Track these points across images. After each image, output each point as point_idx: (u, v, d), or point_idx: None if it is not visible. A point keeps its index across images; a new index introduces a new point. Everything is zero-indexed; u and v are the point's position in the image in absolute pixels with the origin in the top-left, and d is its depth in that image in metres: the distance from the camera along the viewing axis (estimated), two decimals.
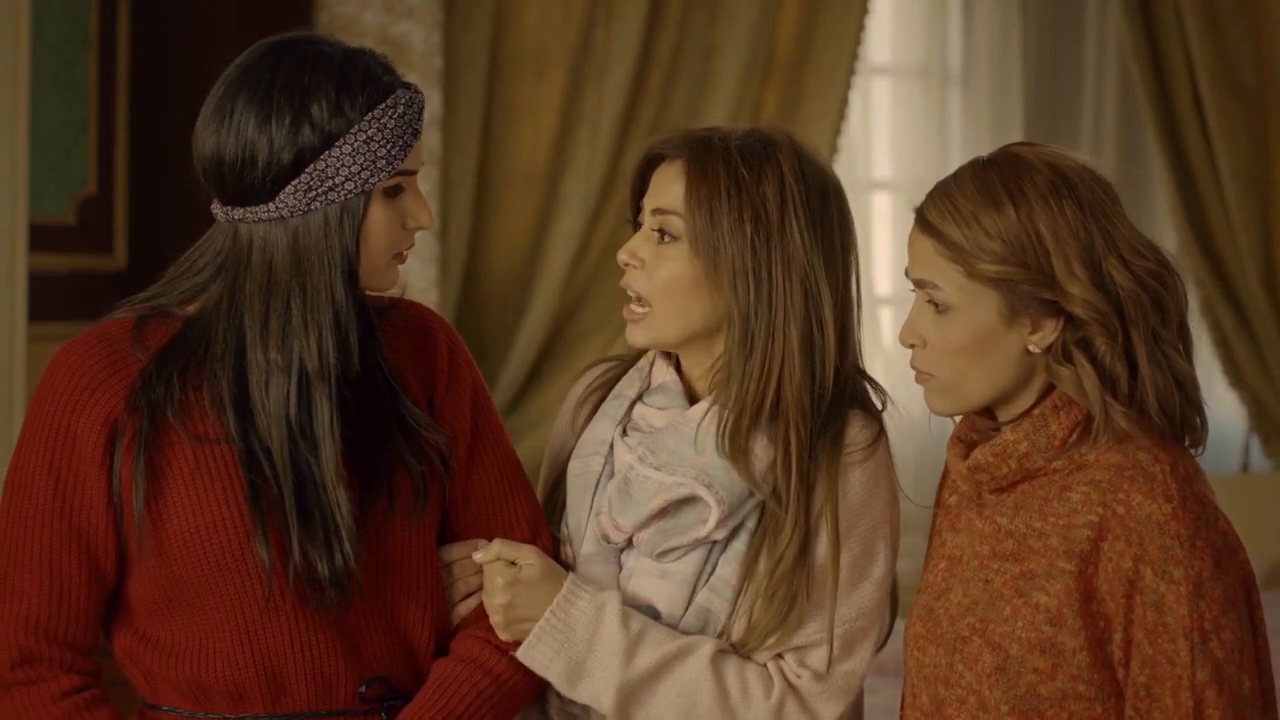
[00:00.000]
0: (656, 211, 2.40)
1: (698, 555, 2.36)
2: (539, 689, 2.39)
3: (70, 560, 2.24)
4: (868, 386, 2.44)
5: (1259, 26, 6.31)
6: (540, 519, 2.43)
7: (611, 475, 2.41)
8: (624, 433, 2.43)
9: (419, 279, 5.25)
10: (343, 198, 2.21)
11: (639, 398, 2.45)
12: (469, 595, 2.38)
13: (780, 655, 2.34)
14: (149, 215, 5.00)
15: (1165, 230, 6.19)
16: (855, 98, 5.94)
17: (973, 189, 2.15)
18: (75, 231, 4.96)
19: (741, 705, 2.32)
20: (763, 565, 2.33)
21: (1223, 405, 6.34)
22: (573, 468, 2.46)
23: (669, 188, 2.39)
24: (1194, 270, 6.19)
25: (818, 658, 2.33)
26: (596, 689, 2.32)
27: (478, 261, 5.48)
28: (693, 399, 2.43)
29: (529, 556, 2.35)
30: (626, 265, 2.41)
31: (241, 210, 2.22)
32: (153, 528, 2.22)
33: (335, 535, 2.20)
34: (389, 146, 2.21)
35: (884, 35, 6.27)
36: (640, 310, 2.40)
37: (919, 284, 2.19)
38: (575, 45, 5.51)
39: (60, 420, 2.24)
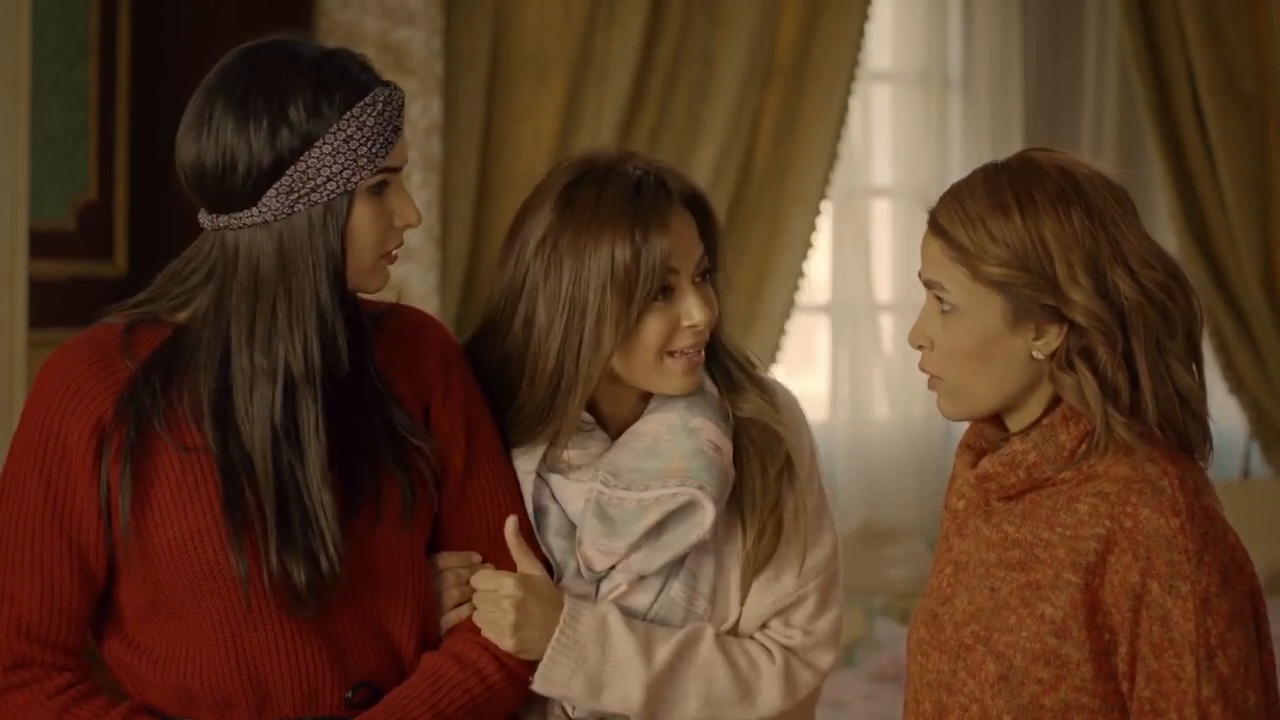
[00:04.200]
0: (700, 265, 2.42)
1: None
2: (521, 700, 2.40)
3: (61, 565, 2.25)
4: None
5: (1259, 31, 6.31)
6: (532, 534, 2.42)
7: (545, 511, 2.42)
8: (552, 474, 2.42)
9: (419, 284, 5.25)
10: (325, 198, 2.20)
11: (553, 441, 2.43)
12: (460, 604, 2.38)
13: (765, 625, 2.42)
14: (149, 221, 5.00)
15: (1165, 235, 6.19)
16: (855, 104, 5.94)
17: (982, 192, 2.15)
18: (75, 237, 4.96)
19: (752, 675, 2.39)
20: (740, 534, 2.41)
21: (1223, 411, 6.33)
22: None
23: (693, 235, 2.41)
24: (1193, 275, 6.18)
25: (800, 615, 2.42)
26: (624, 692, 2.35)
27: (478, 267, 5.48)
28: (608, 430, 2.44)
29: (517, 585, 2.36)
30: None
31: (226, 217, 2.22)
32: (139, 536, 2.23)
33: (319, 541, 2.20)
34: (370, 144, 2.20)
35: (884, 41, 6.27)
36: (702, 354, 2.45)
37: (928, 284, 2.19)
38: (575, 50, 5.51)
39: (51, 425, 2.25)
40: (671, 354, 2.37)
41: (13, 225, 4.19)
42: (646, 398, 2.45)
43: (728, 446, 2.39)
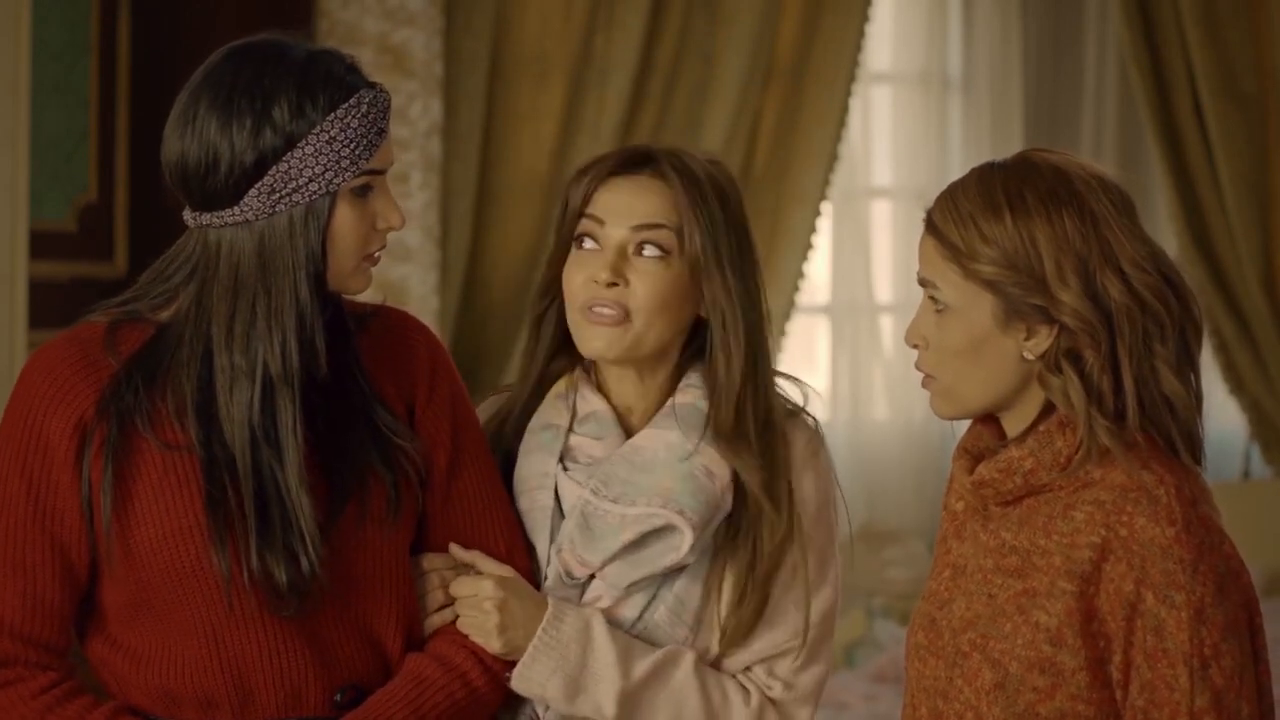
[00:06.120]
0: (642, 227, 2.37)
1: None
2: (499, 704, 2.39)
3: (44, 564, 2.25)
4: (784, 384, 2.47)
5: (1259, 32, 6.31)
6: (517, 535, 2.42)
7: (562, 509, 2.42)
8: (563, 465, 2.42)
9: (419, 284, 5.25)
10: (307, 199, 2.20)
11: (570, 427, 2.44)
12: (444, 606, 2.37)
13: (749, 668, 2.40)
14: (149, 222, 5.00)
15: (1165, 237, 6.20)
16: (855, 104, 5.95)
17: (975, 191, 2.15)
18: (76, 238, 4.96)
19: (723, 711, 2.37)
20: (730, 579, 2.37)
21: (1223, 412, 6.34)
22: (520, 504, 2.45)
23: (648, 200, 2.38)
24: (1194, 277, 6.19)
25: (786, 667, 2.39)
26: (597, 699, 2.34)
27: (478, 268, 5.48)
28: (625, 427, 2.43)
29: (496, 587, 2.35)
30: (613, 285, 2.36)
31: (209, 215, 2.22)
32: (120, 535, 2.23)
33: (299, 541, 2.20)
34: (353, 146, 2.20)
35: (884, 42, 6.28)
36: (612, 314, 2.37)
37: (922, 283, 2.19)
38: (576, 51, 5.52)
39: (33, 423, 2.24)
40: (589, 309, 2.37)
41: (13, 226, 4.19)
42: (665, 392, 2.43)
43: (723, 472, 2.37)
